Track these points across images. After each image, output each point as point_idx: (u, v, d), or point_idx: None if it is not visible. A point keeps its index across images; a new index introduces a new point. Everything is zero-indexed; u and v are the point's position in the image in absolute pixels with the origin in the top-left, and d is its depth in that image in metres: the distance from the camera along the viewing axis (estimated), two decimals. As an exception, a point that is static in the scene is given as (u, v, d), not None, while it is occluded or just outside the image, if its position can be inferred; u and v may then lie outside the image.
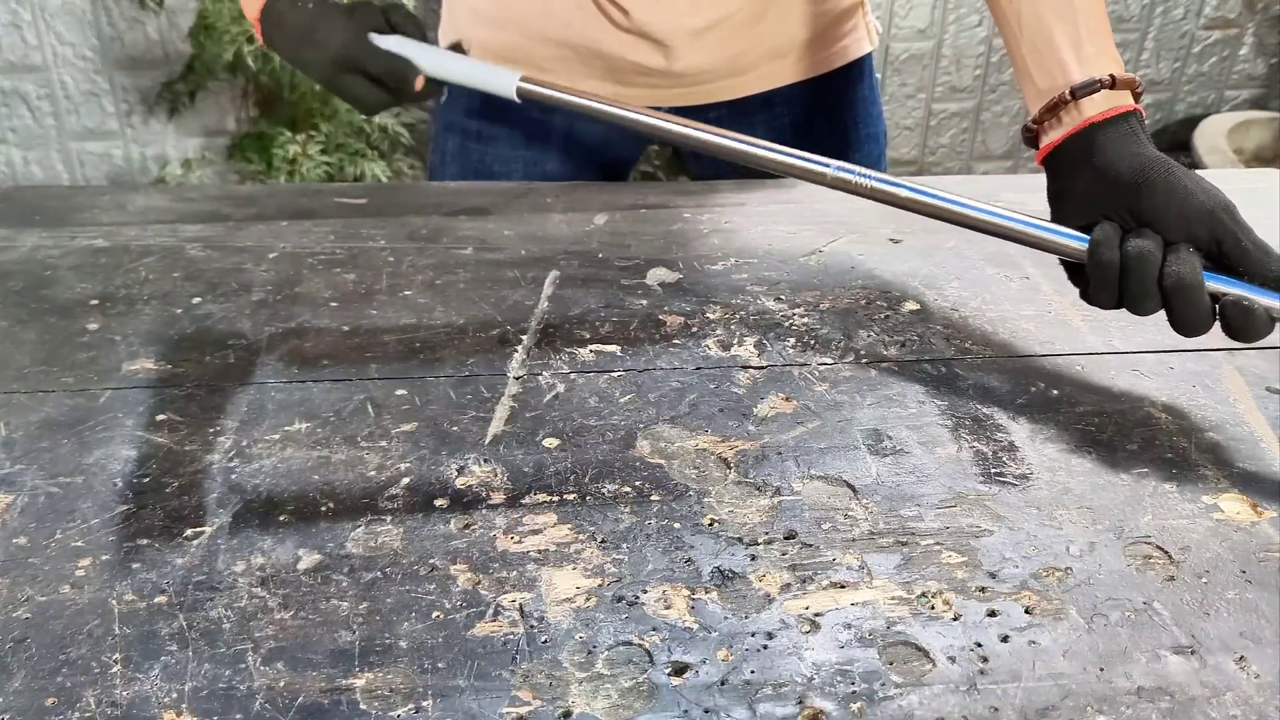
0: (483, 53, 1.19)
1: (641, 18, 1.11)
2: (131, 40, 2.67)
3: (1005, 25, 0.93)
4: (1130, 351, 0.88)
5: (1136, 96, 0.86)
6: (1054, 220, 0.85)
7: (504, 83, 0.98)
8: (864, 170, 0.88)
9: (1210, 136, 2.92)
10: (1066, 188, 0.85)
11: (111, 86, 2.72)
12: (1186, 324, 0.77)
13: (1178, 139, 3.13)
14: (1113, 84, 0.84)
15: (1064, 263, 0.84)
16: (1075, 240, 0.82)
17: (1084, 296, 0.82)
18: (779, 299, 0.94)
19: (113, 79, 2.71)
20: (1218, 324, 0.77)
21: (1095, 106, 0.84)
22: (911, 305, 0.94)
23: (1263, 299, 0.75)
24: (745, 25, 1.15)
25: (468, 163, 1.28)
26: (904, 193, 0.88)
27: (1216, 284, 0.76)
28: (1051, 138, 0.87)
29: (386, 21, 1.03)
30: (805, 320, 0.91)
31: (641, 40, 1.13)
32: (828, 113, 1.26)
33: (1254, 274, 0.76)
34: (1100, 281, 0.79)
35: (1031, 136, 0.90)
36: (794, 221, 1.07)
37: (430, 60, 1.01)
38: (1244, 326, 0.75)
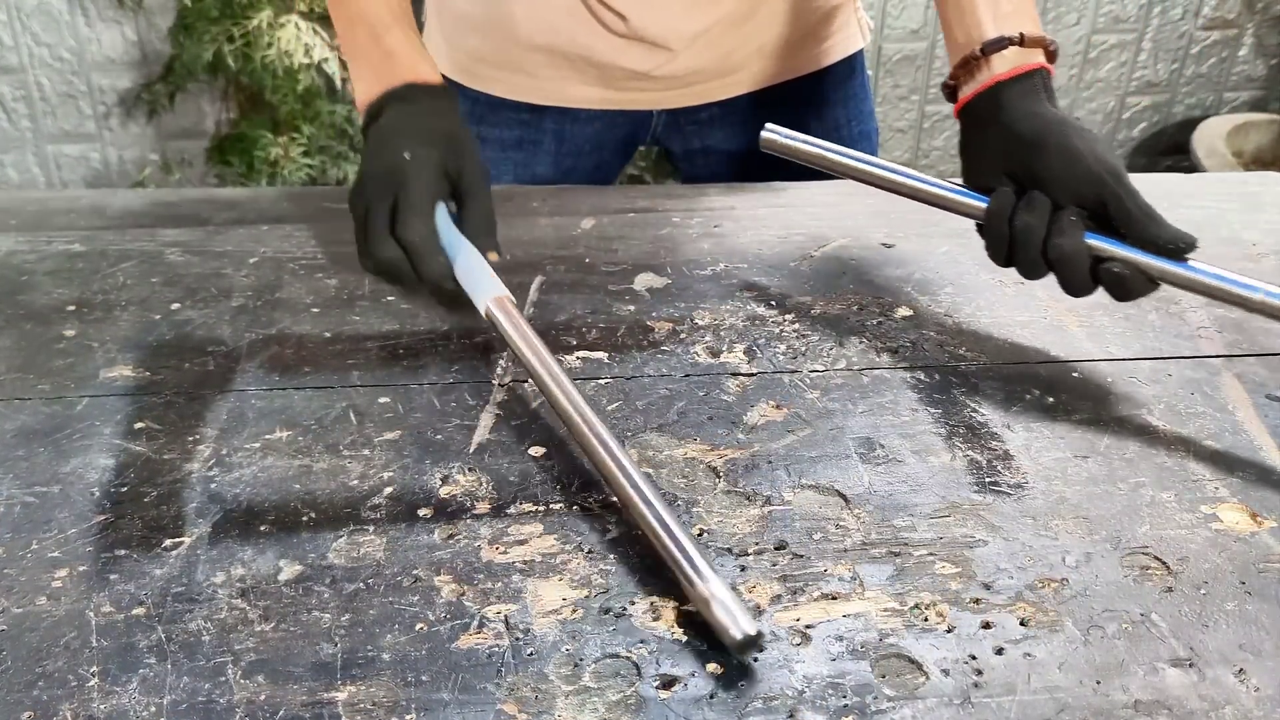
0: (471, 59, 1.19)
1: (640, 24, 1.11)
2: (109, 41, 2.65)
3: None
4: (1127, 358, 0.87)
5: (1050, 56, 0.91)
6: (964, 173, 0.90)
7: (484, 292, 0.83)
8: None
9: (1209, 139, 2.92)
10: (973, 142, 0.90)
11: (89, 88, 2.70)
12: (1070, 288, 0.82)
13: (1176, 141, 3.14)
14: (1022, 41, 0.89)
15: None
16: (977, 201, 0.87)
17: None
18: (769, 304, 0.94)
19: (90, 80, 2.70)
20: None
21: (1005, 63, 0.89)
22: (904, 311, 0.93)
23: (1143, 260, 0.79)
24: (735, 24, 1.15)
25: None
26: (811, 149, 0.95)
27: (1101, 244, 0.81)
28: (964, 94, 0.91)
29: (451, 187, 0.89)
30: (796, 326, 0.91)
31: (637, 45, 1.13)
32: (819, 110, 1.26)
33: (1135, 237, 0.80)
34: (993, 248, 0.85)
35: (950, 91, 0.94)
36: (785, 226, 1.07)
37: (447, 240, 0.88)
38: (1120, 288, 0.80)
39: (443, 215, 0.87)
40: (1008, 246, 0.84)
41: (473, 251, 0.85)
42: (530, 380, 0.77)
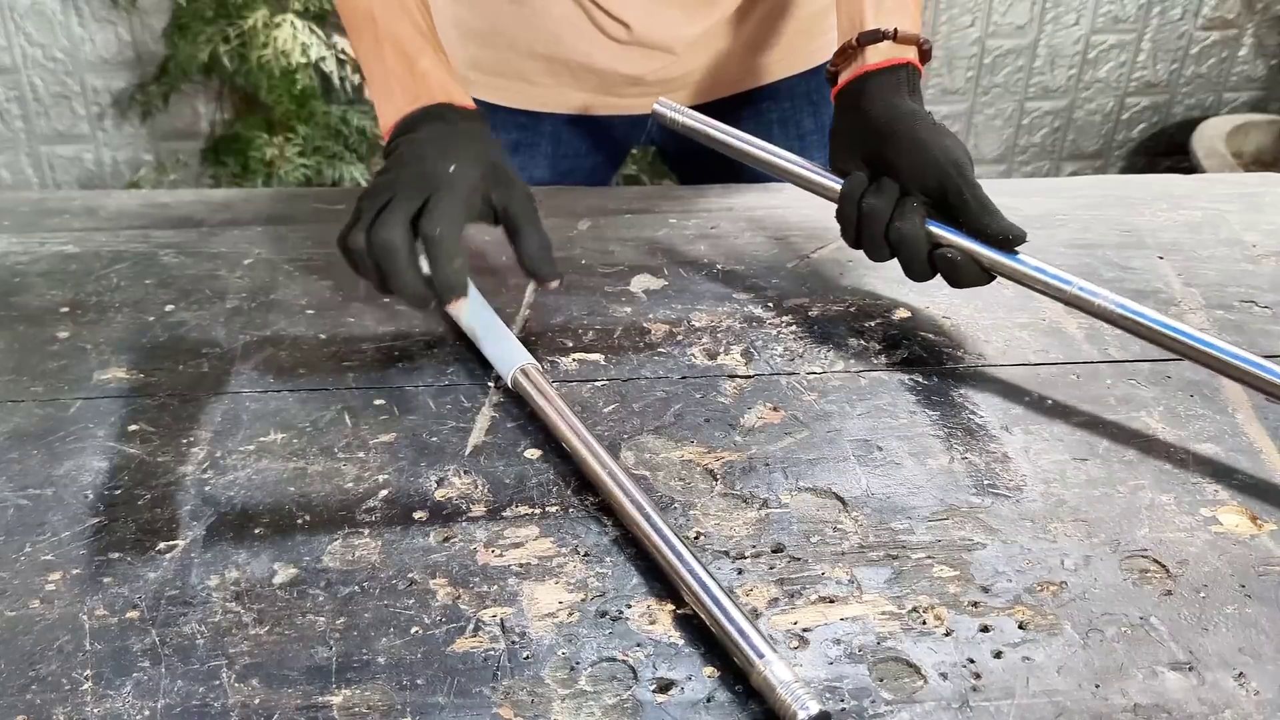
0: (467, 66, 1.18)
1: (643, 31, 1.11)
2: (103, 41, 2.65)
3: None
4: (1126, 360, 0.87)
5: (923, 55, 0.94)
6: (829, 158, 0.94)
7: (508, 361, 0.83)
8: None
9: (1208, 140, 2.91)
10: (838, 128, 0.94)
11: (82, 88, 2.70)
12: (909, 271, 0.86)
13: (1175, 142, 3.13)
14: (895, 36, 0.92)
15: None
16: (834, 184, 0.91)
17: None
18: (766, 306, 0.93)
19: (84, 81, 2.69)
20: None
21: (877, 55, 0.92)
22: (902, 313, 0.93)
23: (977, 249, 0.83)
24: (733, 24, 1.15)
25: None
26: (697, 126, 1.00)
27: (940, 231, 0.85)
28: (840, 81, 0.95)
29: (491, 209, 0.86)
30: (793, 328, 0.90)
31: (638, 50, 1.13)
32: (814, 108, 1.26)
33: (971, 226, 0.84)
34: (844, 229, 0.89)
35: (831, 77, 0.97)
36: (782, 227, 1.07)
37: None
38: (954, 274, 0.84)
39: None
40: (855, 228, 0.88)
41: (496, 320, 0.85)
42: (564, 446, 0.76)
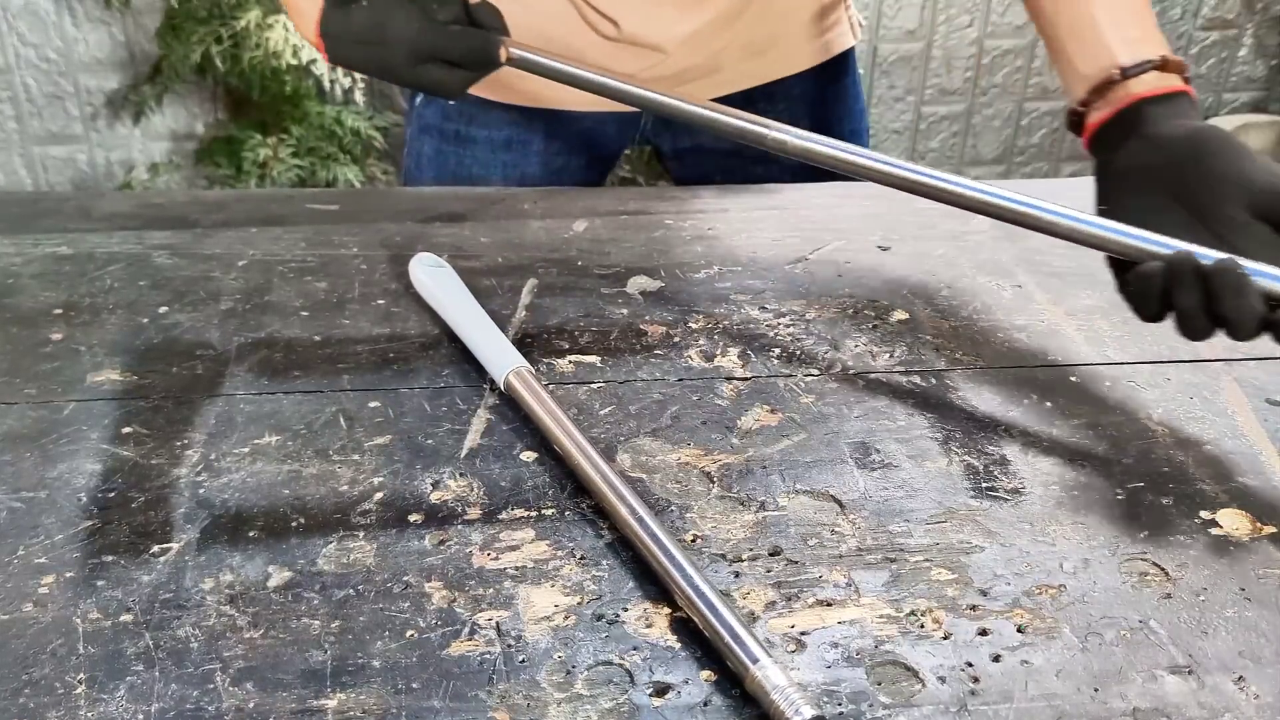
0: None
1: (631, 28, 1.10)
2: (96, 41, 2.65)
3: (1039, 10, 0.94)
4: (1126, 362, 0.87)
5: (1186, 82, 0.86)
6: (1100, 196, 0.84)
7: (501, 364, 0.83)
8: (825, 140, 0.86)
9: (1210, 140, 2.91)
10: (1113, 161, 0.84)
11: (76, 89, 2.69)
12: (1234, 338, 0.72)
13: (1175, 143, 3.14)
14: (1163, 66, 0.85)
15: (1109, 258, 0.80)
16: (1128, 238, 0.76)
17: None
18: (764, 308, 0.93)
19: (77, 81, 2.68)
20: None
21: (1145, 85, 0.85)
22: (900, 314, 0.92)
23: None
24: (725, 24, 1.15)
25: (444, 166, 1.27)
26: (902, 172, 0.82)
27: (1270, 284, 0.70)
28: (1098, 118, 0.87)
29: (465, 11, 0.96)
30: (791, 330, 0.90)
31: (629, 48, 1.12)
32: (810, 109, 1.26)
33: None
34: (1137, 306, 0.76)
35: (1077, 120, 0.90)
36: (779, 228, 1.06)
37: (452, 304, 0.90)
38: None
39: (435, 277, 0.92)
40: (1159, 303, 0.74)
41: (490, 324, 0.86)
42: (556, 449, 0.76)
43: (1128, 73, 0.86)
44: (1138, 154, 0.82)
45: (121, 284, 0.95)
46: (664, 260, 1.01)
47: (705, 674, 0.59)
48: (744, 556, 0.67)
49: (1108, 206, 0.82)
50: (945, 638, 0.62)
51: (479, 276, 0.97)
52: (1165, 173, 0.80)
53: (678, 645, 0.61)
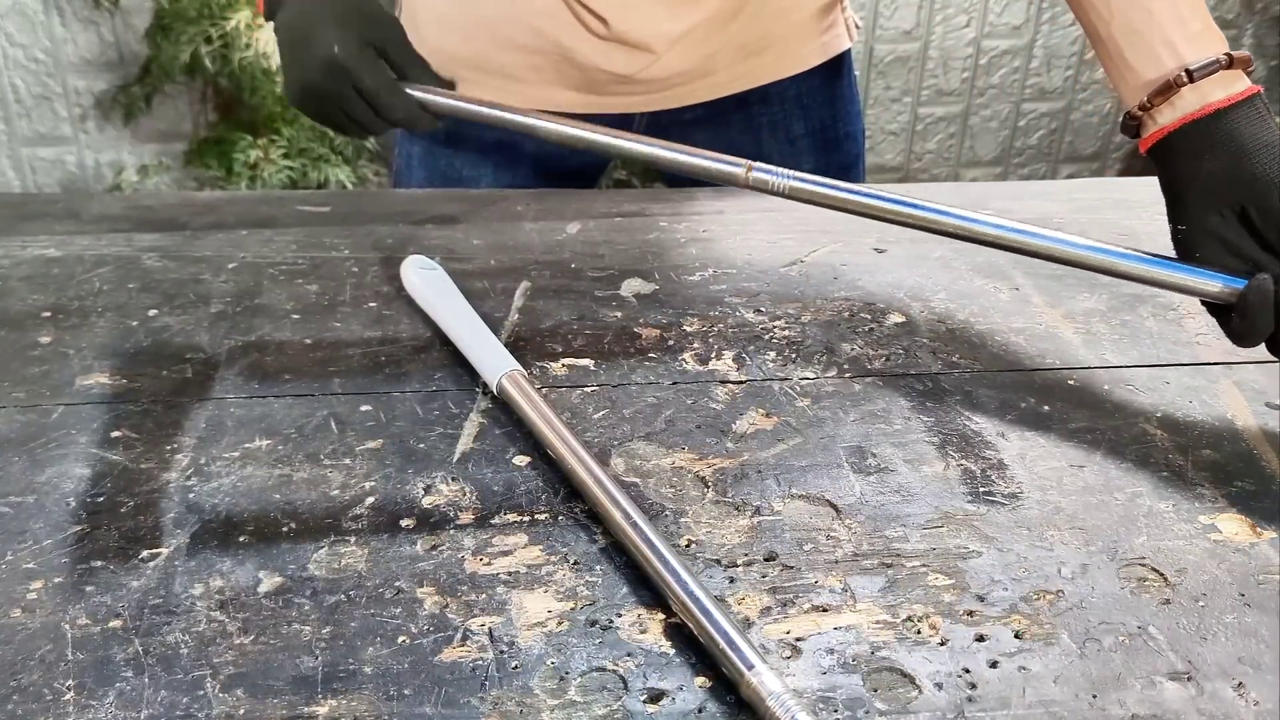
0: (450, 61, 1.17)
1: (620, 26, 1.10)
2: (85, 42, 2.64)
3: (1089, 7, 0.87)
4: (1124, 366, 0.86)
5: (1249, 76, 0.82)
6: (1171, 212, 0.81)
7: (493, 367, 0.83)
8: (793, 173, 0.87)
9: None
10: (1187, 177, 0.80)
11: (64, 90, 2.69)
12: None
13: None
14: (1230, 63, 0.80)
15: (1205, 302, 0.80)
16: (1206, 280, 0.78)
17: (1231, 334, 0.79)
18: (759, 311, 0.93)
19: (66, 82, 2.68)
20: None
21: (1218, 91, 0.80)
22: (897, 317, 0.92)
23: None
24: (718, 25, 1.14)
25: (435, 168, 1.27)
26: (886, 204, 0.85)
27: None
28: (1163, 123, 0.82)
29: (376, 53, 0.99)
30: (786, 333, 0.90)
31: (619, 48, 1.12)
32: (805, 111, 1.25)
33: None
34: (1238, 337, 0.77)
35: (1135, 123, 0.84)
36: (774, 230, 1.06)
37: (442, 305, 0.91)
38: None
39: (427, 279, 0.93)
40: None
41: (483, 327, 0.86)
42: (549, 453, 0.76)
43: (1195, 75, 0.80)
44: (1216, 173, 0.78)
45: (111, 286, 0.95)
46: (658, 263, 1.00)
47: (700, 680, 0.59)
48: (739, 562, 0.67)
49: (1185, 226, 0.80)
50: (942, 644, 0.62)
51: (471, 279, 0.97)
52: (1245, 196, 0.77)
53: (672, 651, 0.61)
